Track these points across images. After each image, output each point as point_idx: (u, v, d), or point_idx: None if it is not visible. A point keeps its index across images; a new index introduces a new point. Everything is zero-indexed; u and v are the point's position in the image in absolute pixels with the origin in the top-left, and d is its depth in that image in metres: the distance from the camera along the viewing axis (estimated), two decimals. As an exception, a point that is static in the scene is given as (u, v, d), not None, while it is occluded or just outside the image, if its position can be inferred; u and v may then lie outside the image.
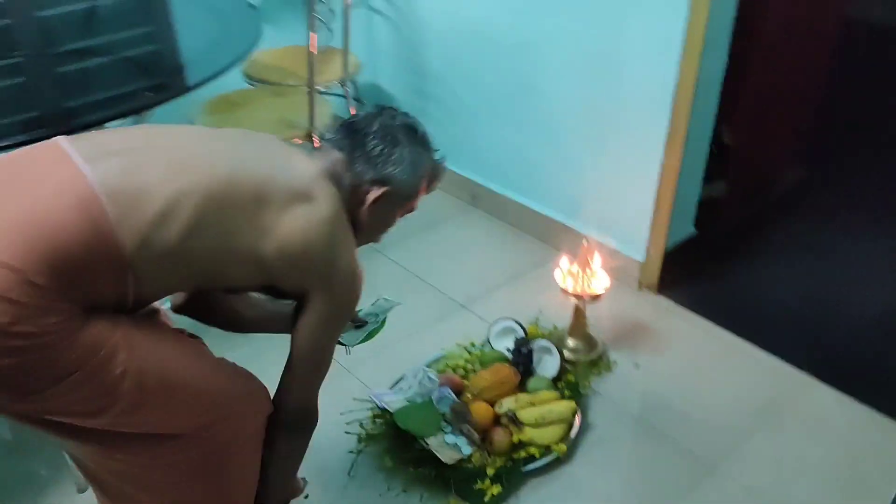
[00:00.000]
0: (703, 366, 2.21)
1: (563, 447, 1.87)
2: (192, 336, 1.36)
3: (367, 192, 1.34)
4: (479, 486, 1.78)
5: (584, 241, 2.11)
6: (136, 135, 1.25)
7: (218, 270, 1.23)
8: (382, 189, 1.34)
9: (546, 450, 1.86)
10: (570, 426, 1.93)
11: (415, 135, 1.38)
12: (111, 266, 1.10)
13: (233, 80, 2.48)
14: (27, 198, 1.07)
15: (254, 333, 1.61)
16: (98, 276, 1.09)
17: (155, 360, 1.18)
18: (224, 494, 1.38)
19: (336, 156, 1.35)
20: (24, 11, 2.24)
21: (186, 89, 1.83)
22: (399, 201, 1.40)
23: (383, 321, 1.66)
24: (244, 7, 2.43)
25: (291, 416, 1.39)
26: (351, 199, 1.35)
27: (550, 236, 2.65)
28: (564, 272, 2.12)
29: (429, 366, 2.08)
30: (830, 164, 3.05)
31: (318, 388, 1.41)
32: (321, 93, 2.54)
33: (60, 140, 1.16)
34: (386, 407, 1.92)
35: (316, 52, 2.31)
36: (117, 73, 2.01)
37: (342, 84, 2.68)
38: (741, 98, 2.44)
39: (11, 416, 1.19)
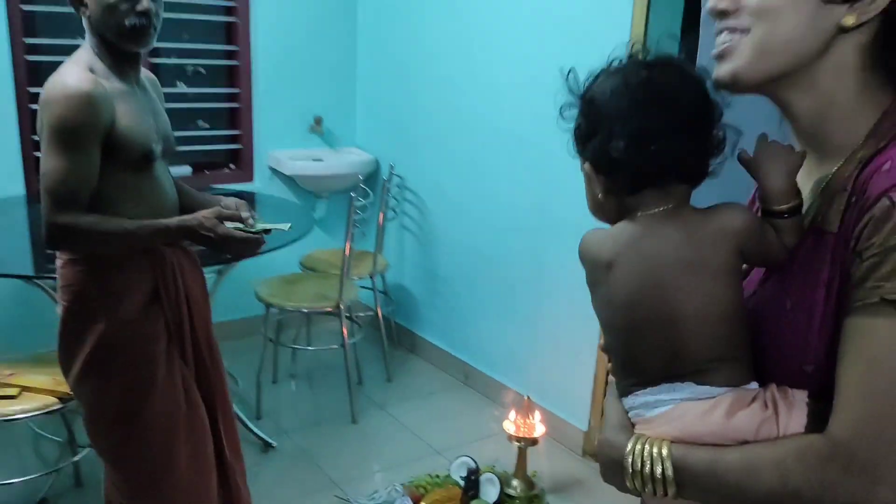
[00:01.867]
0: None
1: (488, 550, 2.40)
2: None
3: None
4: (417, 568, 2.32)
5: (526, 397, 2.77)
6: None
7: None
8: None
9: (475, 551, 2.40)
10: (498, 537, 2.46)
11: None
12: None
13: (289, 266, 3.41)
14: None
15: None
16: None
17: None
18: None
19: None
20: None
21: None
22: None
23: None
24: (309, 216, 3.37)
25: (45, 230, 1.65)
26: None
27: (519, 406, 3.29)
28: (510, 421, 2.75)
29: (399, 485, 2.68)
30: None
31: (56, 210, 1.62)
32: (353, 280, 3.39)
33: None
34: (358, 505, 2.51)
35: (353, 252, 3.21)
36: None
37: (371, 277, 3.54)
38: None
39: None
